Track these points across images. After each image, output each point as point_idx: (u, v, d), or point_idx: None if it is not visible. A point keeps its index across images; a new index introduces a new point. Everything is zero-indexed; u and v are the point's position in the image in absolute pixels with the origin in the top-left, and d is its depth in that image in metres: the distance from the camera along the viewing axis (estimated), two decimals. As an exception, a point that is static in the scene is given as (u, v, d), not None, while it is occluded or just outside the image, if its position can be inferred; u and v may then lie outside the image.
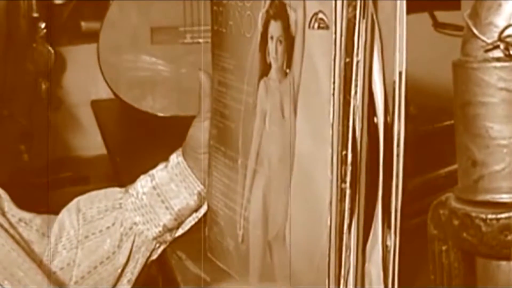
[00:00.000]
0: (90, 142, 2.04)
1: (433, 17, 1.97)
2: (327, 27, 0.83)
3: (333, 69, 0.83)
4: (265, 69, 0.94)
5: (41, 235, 1.10)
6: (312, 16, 0.85)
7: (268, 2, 0.93)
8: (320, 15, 0.84)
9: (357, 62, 0.83)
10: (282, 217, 0.93)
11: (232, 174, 1.02)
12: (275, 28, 0.92)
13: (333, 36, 0.82)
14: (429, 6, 1.94)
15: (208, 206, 1.11)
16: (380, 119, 0.87)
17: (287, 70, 0.89)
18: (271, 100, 0.93)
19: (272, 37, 0.92)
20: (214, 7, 1.06)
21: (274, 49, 0.92)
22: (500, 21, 0.73)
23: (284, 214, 0.92)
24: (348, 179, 0.85)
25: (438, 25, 1.94)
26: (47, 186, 1.79)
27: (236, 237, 1.03)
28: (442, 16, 1.96)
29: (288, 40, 0.89)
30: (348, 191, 0.85)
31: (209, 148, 1.08)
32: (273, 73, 0.92)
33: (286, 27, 0.89)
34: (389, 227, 0.89)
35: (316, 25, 0.84)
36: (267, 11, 0.93)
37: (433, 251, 0.78)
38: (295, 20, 0.88)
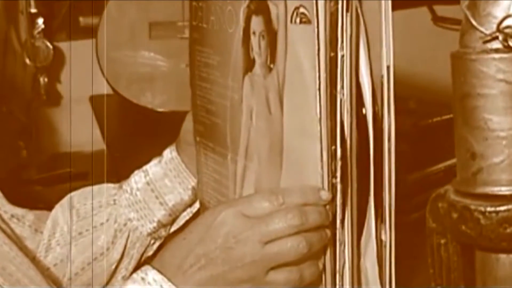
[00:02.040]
0: (89, 137, 2.03)
1: (433, 11, 1.96)
2: (309, 22, 0.82)
3: (318, 64, 0.82)
4: (249, 65, 0.92)
5: (34, 231, 1.09)
6: (294, 11, 0.84)
7: None
8: (302, 10, 0.83)
9: (342, 56, 0.82)
10: None
11: (222, 170, 1.01)
12: (257, 23, 0.90)
13: (315, 30, 0.81)
14: (428, 1, 1.94)
15: (200, 202, 1.10)
16: (368, 114, 0.86)
17: (271, 65, 0.89)
18: (257, 96, 0.92)
19: (254, 32, 0.91)
20: (193, 2, 1.03)
21: (257, 44, 0.91)
22: (499, 11, 0.72)
23: None
24: (338, 174, 0.84)
25: (438, 19, 1.93)
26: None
27: None
28: (441, 10, 1.96)
29: (271, 35, 0.88)
30: (339, 186, 0.85)
31: (196, 144, 1.07)
32: (257, 68, 0.91)
33: (268, 22, 0.88)
34: (382, 221, 0.88)
35: (298, 20, 0.83)
36: (248, 6, 0.91)
37: (431, 244, 0.78)
38: (277, 14, 0.86)
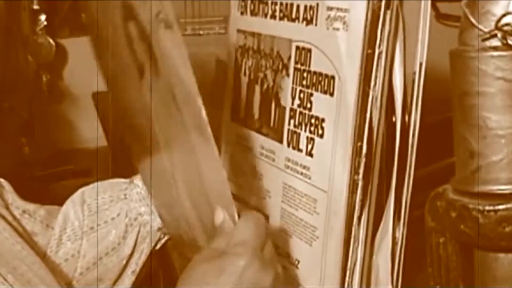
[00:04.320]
0: (92, 134, 2.03)
1: (436, 9, 1.95)
2: (170, 27, 0.79)
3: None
4: None
5: (45, 227, 1.09)
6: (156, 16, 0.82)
7: None
8: (162, 15, 0.80)
9: (379, 54, 0.82)
10: None
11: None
12: None
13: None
14: (432, -2, 1.93)
15: None
16: (398, 110, 0.86)
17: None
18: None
19: None
20: None
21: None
22: (497, 9, 0.72)
23: None
24: (361, 170, 0.84)
25: (441, 17, 1.92)
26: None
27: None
28: (445, 7, 1.95)
29: (147, 41, 0.86)
30: (360, 183, 0.84)
31: None
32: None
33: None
34: (399, 218, 0.88)
35: (162, 25, 0.81)
36: None
37: (430, 243, 0.77)
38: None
